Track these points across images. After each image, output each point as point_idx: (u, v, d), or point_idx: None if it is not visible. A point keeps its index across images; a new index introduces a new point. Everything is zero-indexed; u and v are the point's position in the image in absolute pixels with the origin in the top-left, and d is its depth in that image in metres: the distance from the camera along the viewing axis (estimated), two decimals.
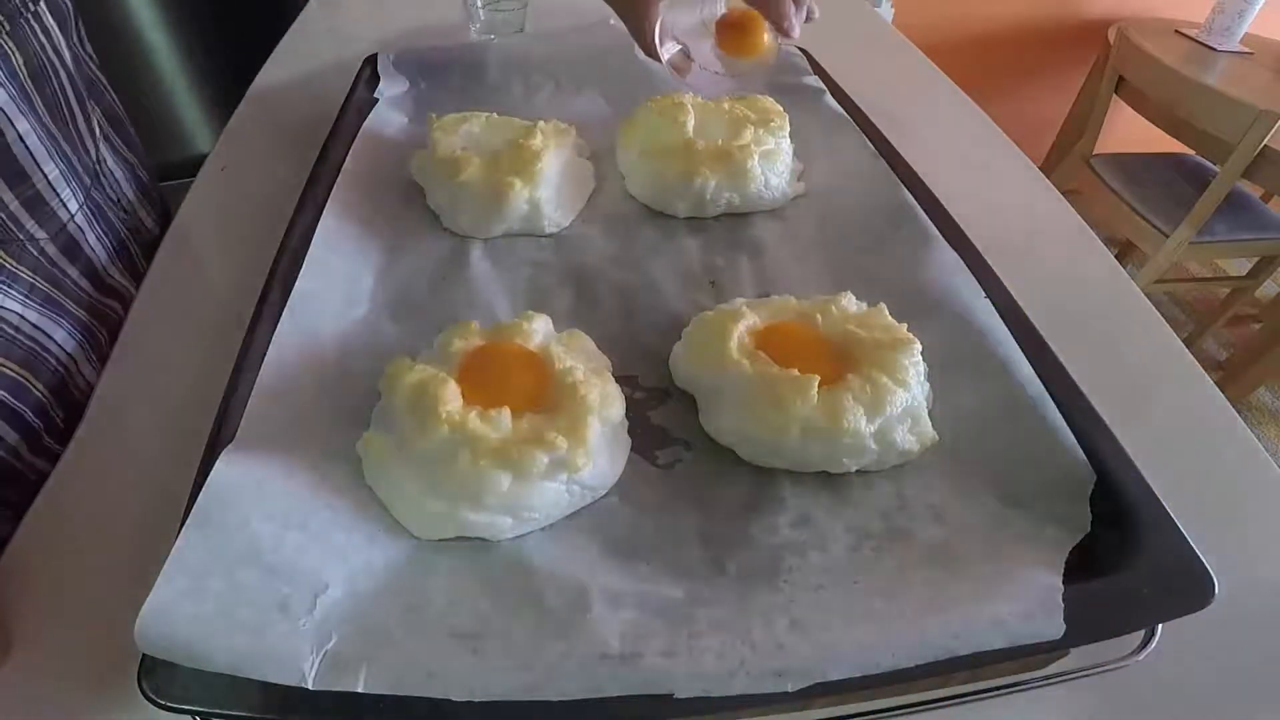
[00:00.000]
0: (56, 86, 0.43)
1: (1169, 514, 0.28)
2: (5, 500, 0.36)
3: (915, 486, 0.32)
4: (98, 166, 0.47)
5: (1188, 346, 0.45)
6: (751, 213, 0.49)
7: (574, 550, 0.30)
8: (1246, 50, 1.49)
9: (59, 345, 0.40)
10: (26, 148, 0.39)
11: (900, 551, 0.30)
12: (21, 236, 0.40)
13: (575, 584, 0.28)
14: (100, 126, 0.49)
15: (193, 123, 1.02)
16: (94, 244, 0.46)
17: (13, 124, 0.38)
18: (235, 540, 0.26)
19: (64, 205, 0.42)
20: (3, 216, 0.38)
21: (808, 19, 0.44)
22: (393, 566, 0.28)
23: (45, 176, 0.41)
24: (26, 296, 0.39)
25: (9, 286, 0.38)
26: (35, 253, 0.40)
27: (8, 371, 0.37)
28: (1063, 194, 0.57)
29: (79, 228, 0.44)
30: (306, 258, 0.39)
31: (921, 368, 0.35)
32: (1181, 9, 1.64)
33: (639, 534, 0.31)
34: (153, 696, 0.23)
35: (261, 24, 0.82)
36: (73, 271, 0.43)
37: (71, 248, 0.43)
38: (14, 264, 0.39)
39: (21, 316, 0.38)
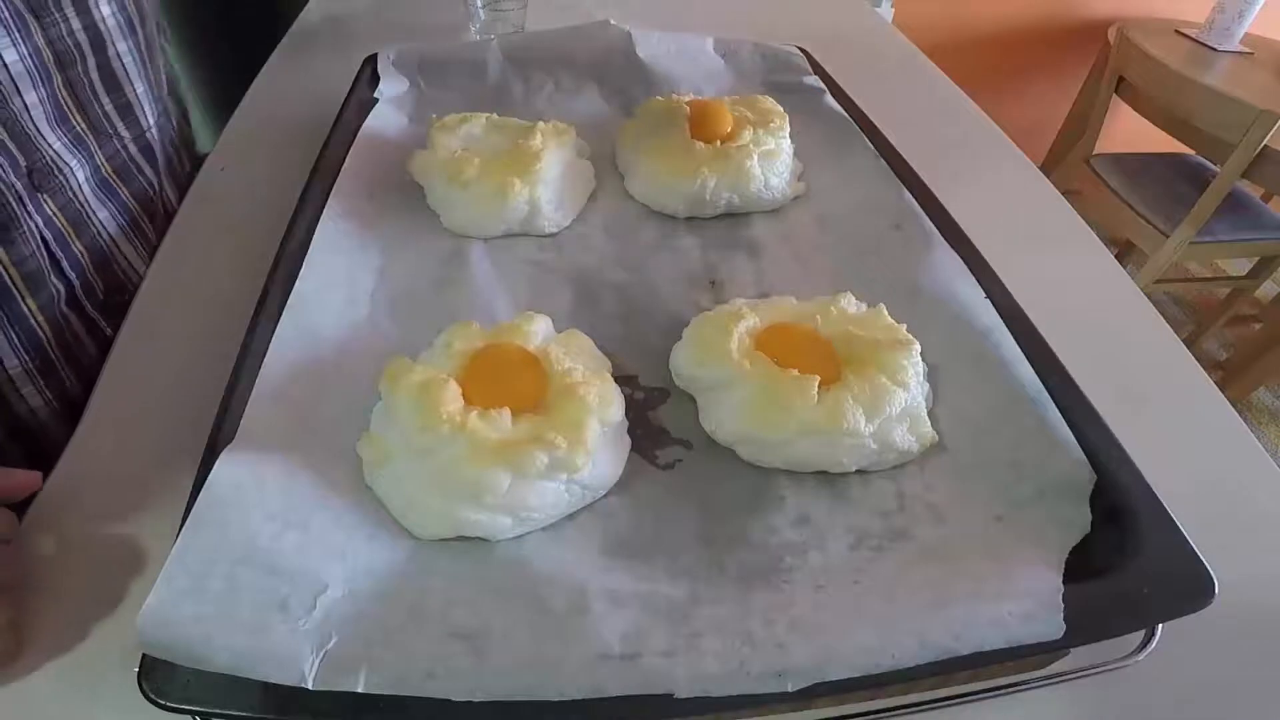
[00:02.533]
0: (150, 30, 0.53)
1: (1169, 514, 0.28)
2: (49, 365, 0.43)
3: (915, 486, 0.33)
4: (166, 101, 0.57)
5: (1188, 346, 0.45)
6: (751, 213, 0.49)
7: (574, 550, 0.30)
8: (1246, 50, 1.49)
9: (101, 223, 0.48)
10: (123, 65, 0.49)
11: (900, 551, 0.30)
12: (110, 131, 0.49)
13: (575, 584, 0.28)
14: (165, 76, 0.58)
15: (193, 123, 1.02)
16: (160, 160, 0.55)
17: (114, 44, 0.48)
18: (235, 540, 0.26)
19: (145, 115, 0.52)
20: (100, 114, 0.48)
21: None
22: (393, 566, 0.28)
23: (135, 89, 0.51)
24: (90, 176, 0.47)
25: (84, 162, 0.46)
26: (119, 146, 0.50)
27: (56, 224, 0.44)
28: (1063, 194, 0.57)
29: (155, 139, 0.53)
30: (306, 258, 0.39)
31: (921, 368, 0.35)
32: (1181, 9, 1.64)
33: (639, 534, 0.31)
34: (153, 696, 0.23)
35: (261, 24, 0.82)
36: (147, 171, 0.52)
37: (147, 152, 0.53)
38: (95, 146, 0.47)
39: (80, 187, 0.46)
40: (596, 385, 0.33)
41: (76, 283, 0.46)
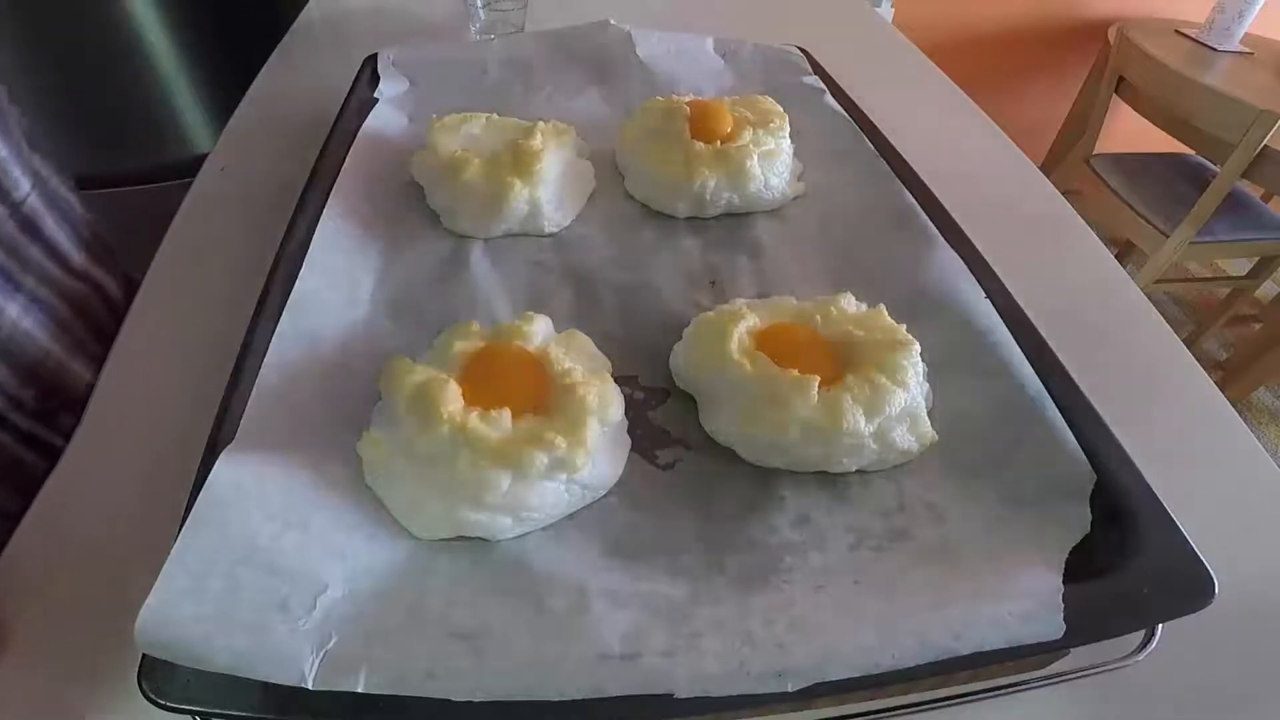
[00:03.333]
0: None
1: (1169, 514, 0.28)
2: None
3: (915, 486, 0.33)
4: (33, 159, 0.48)
5: (1188, 346, 0.45)
6: (751, 213, 0.49)
7: (574, 550, 0.30)
8: (1246, 50, 1.49)
9: (12, 320, 0.41)
10: None
11: (900, 551, 0.30)
12: None
13: (575, 584, 0.28)
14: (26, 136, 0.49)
15: (193, 123, 1.02)
16: (53, 228, 0.46)
17: None
18: (235, 540, 0.26)
19: (16, 185, 0.44)
20: None
21: None
22: (393, 566, 0.28)
23: None
24: None
25: None
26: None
27: None
28: (1063, 194, 0.57)
29: (35, 209, 0.45)
30: (306, 258, 0.39)
31: (920, 368, 0.35)
32: (1181, 9, 1.64)
33: (639, 534, 0.31)
34: (153, 696, 0.23)
35: (261, 24, 0.82)
36: (34, 251, 0.44)
37: (30, 227, 0.44)
38: None
39: None
40: (596, 385, 0.33)
41: None
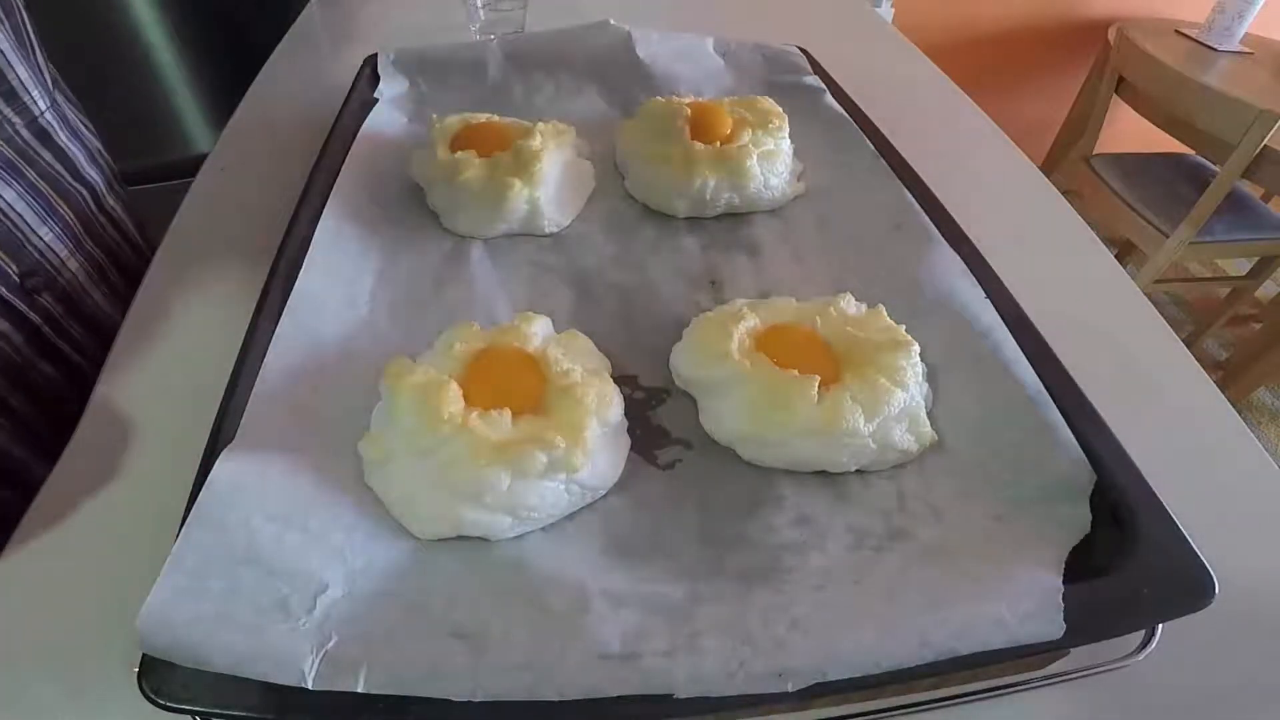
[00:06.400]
0: (20, 19, 0.50)
1: (1169, 514, 0.28)
2: None
3: (915, 486, 0.33)
4: (54, 91, 0.53)
5: (1188, 346, 0.45)
6: (751, 213, 0.49)
7: (574, 550, 0.30)
8: (1246, 50, 1.49)
9: (7, 203, 0.45)
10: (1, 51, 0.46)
11: (900, 551, 0.30)
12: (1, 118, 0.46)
13: (575, 584, 0.28)
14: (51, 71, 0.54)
15: (193, 123, 1.02)
16: (67, 140, 0.51)
17: None
18: (235, 540, 0.26)
19: (35, 102, 0.49)
20: None
21: None
22: (393, 566, 0.28)
23: (18, 75, 0.48)
24: None
25: None
26: (12, 132, 0.47)
27: None
28: (1063, 194, 0.57)
29: (50, 123, 0.50)
30: (307, 258, 0.39)
31: (920, 369, 0.35)
32: (1181, 9, 1.64)
33: (639, 534, 0.31)
34: (153, 696, 0.23)
35: (261, 24, 0.82)
36: (46, 154, 0.50)
37: (44, 135, 0.50)
38: None
39: None
40: (595, 386, 0.33)
41: None
